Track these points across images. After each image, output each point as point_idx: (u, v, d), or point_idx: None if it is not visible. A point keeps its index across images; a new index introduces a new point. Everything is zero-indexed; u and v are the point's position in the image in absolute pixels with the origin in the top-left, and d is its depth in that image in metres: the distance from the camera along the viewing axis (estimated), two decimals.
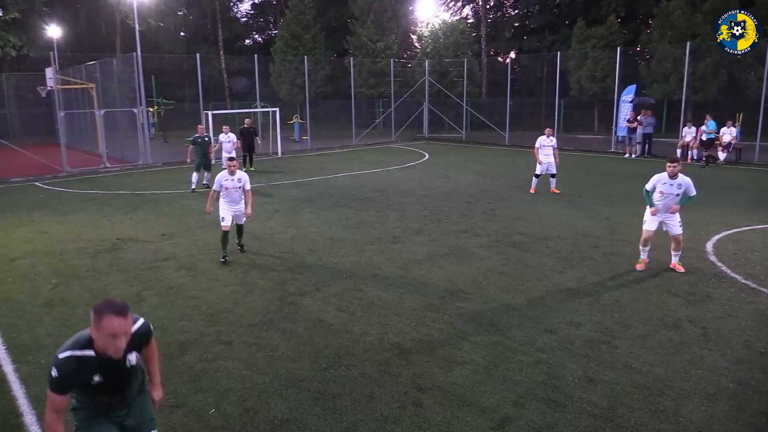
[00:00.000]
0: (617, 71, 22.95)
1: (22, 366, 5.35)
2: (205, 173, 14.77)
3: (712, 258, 8.41)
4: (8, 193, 15.06)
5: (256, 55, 24.42)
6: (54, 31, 29.47)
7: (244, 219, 8.73)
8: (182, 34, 41.61)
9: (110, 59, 24.62)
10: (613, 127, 23.30)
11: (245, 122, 18.25)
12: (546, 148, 13.48)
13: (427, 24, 34.11)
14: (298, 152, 24.09)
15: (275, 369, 5.23)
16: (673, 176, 7.52)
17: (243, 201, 8.54)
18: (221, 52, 39.57)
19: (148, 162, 20.27)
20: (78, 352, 2.81)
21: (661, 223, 7.73)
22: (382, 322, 6.24)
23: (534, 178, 13.86)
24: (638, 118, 20.85)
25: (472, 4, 42.41)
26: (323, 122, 30.25)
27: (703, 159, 18.79)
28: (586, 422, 4.34)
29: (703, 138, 18.92)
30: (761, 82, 19.27)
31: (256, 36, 48.95)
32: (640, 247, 7.91)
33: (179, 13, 39.23)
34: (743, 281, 7.39)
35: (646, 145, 20.86)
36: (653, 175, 7.73)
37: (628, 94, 22.64)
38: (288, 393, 4.82)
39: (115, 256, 8.93)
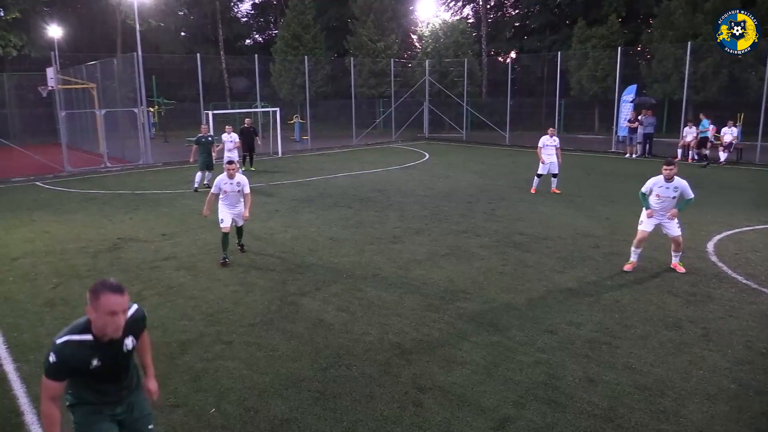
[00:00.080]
0: (618, 71, 22.95)
1: (23, 365, 5.35)
2: (207, 173, 14.78)
3: (713, 258, 8.41)
4: (9, 193, 15.07)
5: (256, 55, 24.43)
6: (55, 31, 29.48)
7: (243, 220, 8.71)
8: (183, 34, 41.64)
9: (111, 59, 24.62)
10: (614, 127, 23.30)
11: (245, 122, 18.26)
12: (549, 147, 13.46)
13: (428, 24, 34.11)
14: (299, 152, 24.10)
15: (275, 369, 5.23)
16: (669, 179, 7.49)
17: (242, 203, 8.54)
18: (222, 52, 39.60)
19: (149, 162, 20.28)
20: (76, 337, 2.83)
21: (659, 226, 7.72)
22: (382, 322, 6.24)
23: (536, 177, 13.84)
24: (639, 118, 20.86)
25: (472, 4, 42.43)
26: (323, 122, 30.26)
27: (695, 158, 18.82)
28: (586, 423, 4.34)
29: (697, 136, 18.98)
30: (762, 82, 19.27)
31: (257, 36, 48.98)
32: (632, 248, 7.87)
33: (180, 13, 39.23)
34: (744, 281, 7.38)
35: (647, 145, 20.87)
36: (650, 177, 7.73)
37: (629, 94, 22.64)
38: (288, 393, 4.82)
39: (115, 255, 8.94)
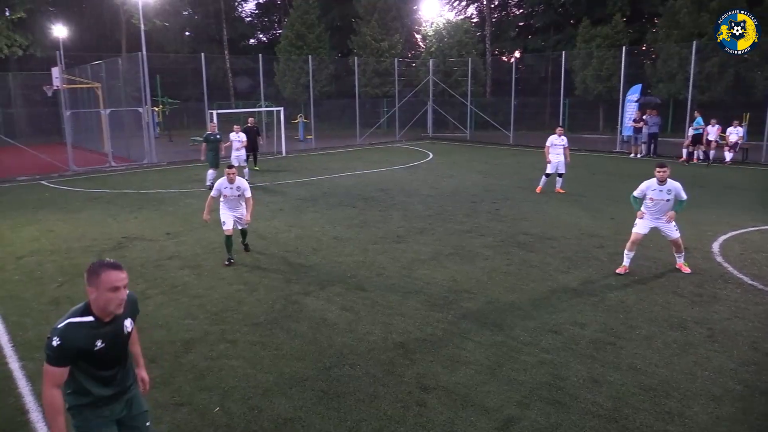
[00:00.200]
0: (622, 70, 22.85)
1: (28, 363, 5.37)
2: (213, 171, 14.83)
3: (719, 259, 8.37)
4: (15, 192, 15.13)
5: (260, 55, 24.44)
6: (60, 30, 29.59)
7: (244, 224, 8.67)
8: (187, 33, 41.71)
9: (116, 59, 24.71)
10: (619, 126, 23.21)
11: (249, 121, 18.28)
12: (557, 147, 13.41)
13: (432, 23, 34.09)
14: (302, 151, 24.12)
15: (279, 368, 5.24)
16: (662, 182, 7.45)
17: (243, 206, 8.52)
18: (226, 52, 39.65)
19: (153, 161, 20.34)
20: (77, 319, 2.83)
21: (656, 229, 7.65)
22: (385, 321, 6.24)
23: (543, 177, 13.79)
24: (644, 117, 20.79)
25: (476, 4, 42.35)
26: (327, 122, 30.28)
27: (700, 158, 18.76)
28: (590, 423, 4.32)
29: (691, 134, 18.95)
30: None
31: (261, 35, 49.00)
32: (625, 251, 7.73)
33: (184, 12, 39.35)
34: (750, 282, 7.35)
35: (652, 145, 20.80)
36: (644, 181, 7.67)
37: (634, 94, 22.56)
38: (292, 392, 4.82)
39: (120, 254, 8.96)
